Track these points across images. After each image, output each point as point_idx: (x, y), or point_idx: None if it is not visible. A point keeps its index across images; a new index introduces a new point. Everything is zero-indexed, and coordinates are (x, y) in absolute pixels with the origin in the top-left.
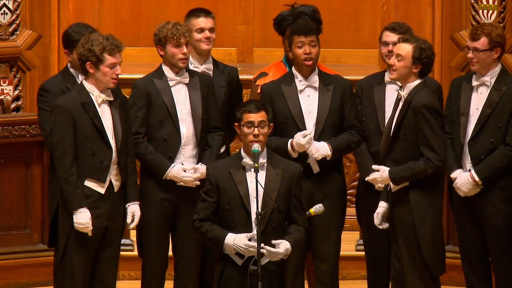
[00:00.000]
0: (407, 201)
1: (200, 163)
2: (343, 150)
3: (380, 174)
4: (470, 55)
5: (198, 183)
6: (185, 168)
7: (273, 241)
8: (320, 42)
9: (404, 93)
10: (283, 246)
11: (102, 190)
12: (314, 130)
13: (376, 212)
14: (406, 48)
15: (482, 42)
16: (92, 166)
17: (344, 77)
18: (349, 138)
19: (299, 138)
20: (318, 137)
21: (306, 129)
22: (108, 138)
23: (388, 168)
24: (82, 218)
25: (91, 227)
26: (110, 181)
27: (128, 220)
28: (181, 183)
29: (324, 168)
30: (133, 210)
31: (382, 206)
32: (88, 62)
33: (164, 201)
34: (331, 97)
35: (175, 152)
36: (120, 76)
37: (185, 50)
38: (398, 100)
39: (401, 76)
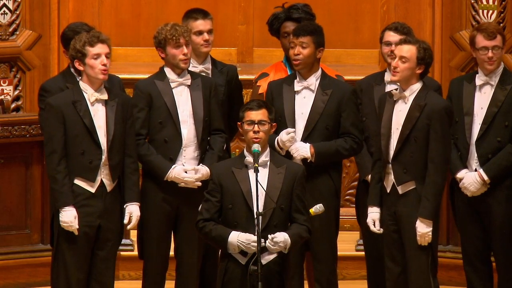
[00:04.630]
0: (417, 202)
1: (201, 164)
2: (330, 156)
3: None
4: (490, 54)
5: (200, 184)
6: (186, 169)
7: (270, 235)
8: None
9: (407, 95)
10: (281, 236)
11: (92, 189)
12: (303, 131)
13: (371, 219)
14: (410, 50)
15: (499, 39)
16: (81, 165)
17: (344, 77)
18: (340, 144)
19: (282, 135)
20: (306, 139)
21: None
22: (99, 137)
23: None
24: (66, 217)
25: (77, 226)
26: (102, 181)
27: (125, 221)
28: (182, 184)
29: (311, 172)
30: (131, 210)
31: (376, 212)
32: (76, 60)
33: (165, 202)
34: (326, 102)
35: (176, 154)
36: (120, 76)
37: (185, 50)
38: (394, 101)
39: (403, 78)
